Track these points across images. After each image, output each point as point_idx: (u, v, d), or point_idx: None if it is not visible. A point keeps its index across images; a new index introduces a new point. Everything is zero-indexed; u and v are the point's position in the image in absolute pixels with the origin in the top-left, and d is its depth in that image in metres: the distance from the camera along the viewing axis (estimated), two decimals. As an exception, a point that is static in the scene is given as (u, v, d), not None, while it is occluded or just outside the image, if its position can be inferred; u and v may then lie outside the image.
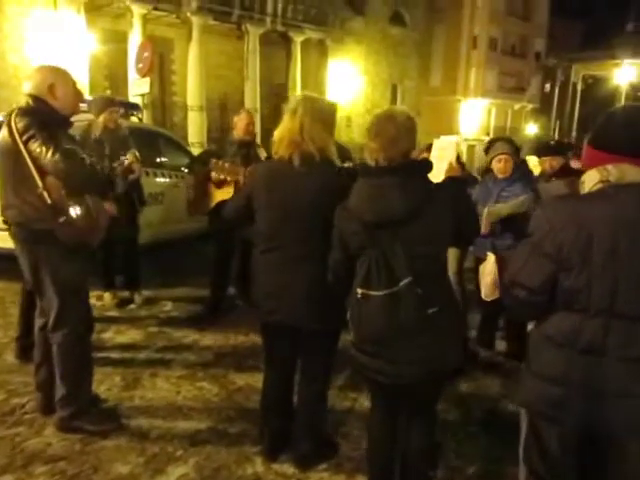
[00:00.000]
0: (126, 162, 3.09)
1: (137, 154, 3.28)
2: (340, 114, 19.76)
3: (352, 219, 1.89)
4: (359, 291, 1.81)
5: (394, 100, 22.39)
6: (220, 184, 4.29)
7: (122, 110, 4.23)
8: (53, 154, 2.36)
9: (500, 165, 3.44)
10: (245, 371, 3.44)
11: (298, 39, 18.86)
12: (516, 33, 26.80)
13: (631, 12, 15.01)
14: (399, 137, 1.82)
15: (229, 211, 2.48)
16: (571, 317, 1.51)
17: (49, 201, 2.41)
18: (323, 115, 2.15)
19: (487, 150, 3.58)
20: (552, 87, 23.99)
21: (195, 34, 16.66)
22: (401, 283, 1.73)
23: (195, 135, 16.86)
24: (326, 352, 2.37)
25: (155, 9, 15.66)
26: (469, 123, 26.16)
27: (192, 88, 16.93)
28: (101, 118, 4.10)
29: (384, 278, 1.76)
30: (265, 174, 2.27)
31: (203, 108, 17.24)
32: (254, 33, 17.94)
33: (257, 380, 3.28)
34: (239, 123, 4.32)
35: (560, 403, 1.52)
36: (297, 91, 19.30)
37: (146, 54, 9.20)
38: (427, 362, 1.86)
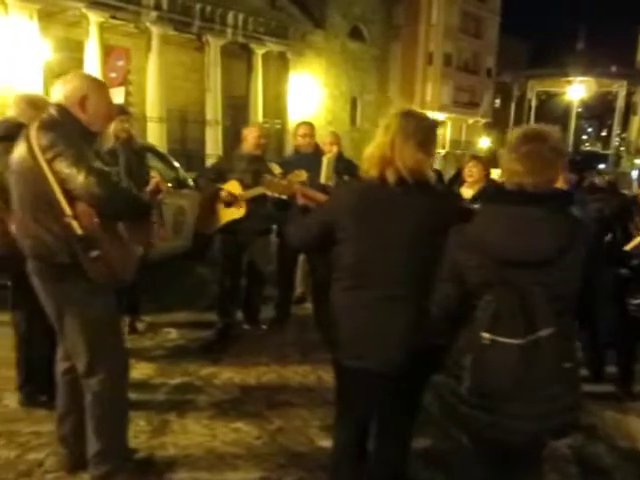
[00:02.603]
0: (152, 181, 2.74)
1: (160, 173, 2.94)
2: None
3: (476, 250, 1.64)
4: (486, 336, 1.57)
5: (354, 113, 22.51)
6: (229, 203, 4.02)
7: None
8: (86, 176, 2.00)
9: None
10: (279, 408, 3.14)
11: (259, 51, 18.64)
12: (469, 50, 27.62)
13: (580, 32, 15.68)
14: (551, 161, 1.61)
15: (300, 241, 2.17)
16: None
17: (79, 232, 2.05)
18: (418, 133, 1.86)
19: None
20: (503, 102, 24.83)
21: (155, 44, 16.10)
22: (541, 332, 1.51)
23: (155, 147, 16.26)
24: (416, 401, 2.11)
25: (113, 17, 15.05)
26: (425, 136, 26.50)
27: (151, 99, 16.34)
28: (111, 128, 3.73)
29: (520, 324, 1.53)
30: (353, 197, 1.94)
31: (163, 120, 16.67)
32: (215, 44, 17.57)
33: (295, 418, 3.03)
34: (249, 136, 4.06)
35: None
36: (258, 103, 19.07)
37: (120, 62, 8.75)
38: (551, 417, 1.66)
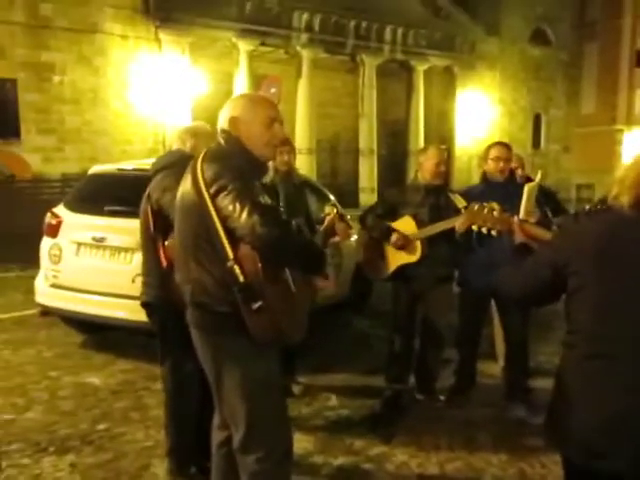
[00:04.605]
0: (328, 219, 2.68)
1: (338, 207, 2.90)
2: (470, 152, 19.27)
3: None
4: None
5: (537, 132, 21.51)
6: (402, 244, 3.89)
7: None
8: (250, 213, 1.98)
9: None
10: (472, 508, 2.85)
11: (421, 68, 18.87)
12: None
13: None
14: None
15: (521, 289, 1.95)
16: None
17: (241, 279, 2.03)
18: None
19: None
20: None
21: (305, 69, 17.16)
22: None
23: (304, 182, 17.01)
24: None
25: (262, 44, 16.39)
26: (633, 157, 24.27)
27: (301, 129, 17.28)
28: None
29: None
30: (594, 232, 1.72)
31: (313, 151, 17.52)
32: (370, 64, 18.19)
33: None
34: (426, 163, 3.93)
35: None
36: (419, 127, 19.15)
37: (273, 90, 9.41)
38: None
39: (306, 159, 17.13)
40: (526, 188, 3.58)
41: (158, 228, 2.93)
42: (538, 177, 3.63)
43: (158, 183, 2.99)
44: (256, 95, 2.36)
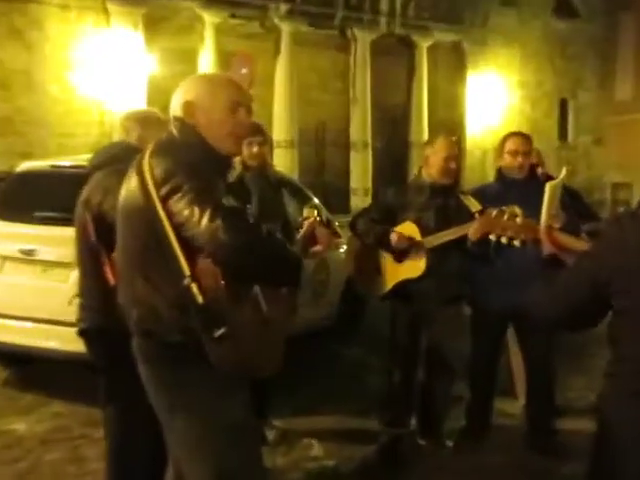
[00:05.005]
0: (306, 223, 2.63)
1: (320, 210, 2.87)
2: (484, 144, 19.42)
3: None
4: None
5: (564, 121, 21.72)
6: (401, 254, 3.90)
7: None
8: (211, 219, 1.96)
9: None
10: None
11: (424, 44, 19.00)
12: None
13: None
14: None
15: (556, 309, 1.98)
16: None
17: (200, 299, 2.01)
18: None
19: None
20: None
21: (285, 46, 17.18)
22: None
23: (283, 180, 16.99)
24: None
25: (233, 16, 16.41)
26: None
27: (280, 118, 17.28)
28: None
29: None
30: (637, 242, 1.74)
31: (294, 143, 17.52)
32: (363, 40, 18.29)
33: None
34: (433, 158, 3.97)
35: None
36: (423, 114, 19.28)
37: (244, 70, 9.42)
38: None
39: (286, 153, 17.18)
40: (548, 187, 3.59)
41: (101, 238, 2.90)
42: (562, 173, 3.64)
43: (98, 183, 2.99)
44: (216, 75, 2.36)
